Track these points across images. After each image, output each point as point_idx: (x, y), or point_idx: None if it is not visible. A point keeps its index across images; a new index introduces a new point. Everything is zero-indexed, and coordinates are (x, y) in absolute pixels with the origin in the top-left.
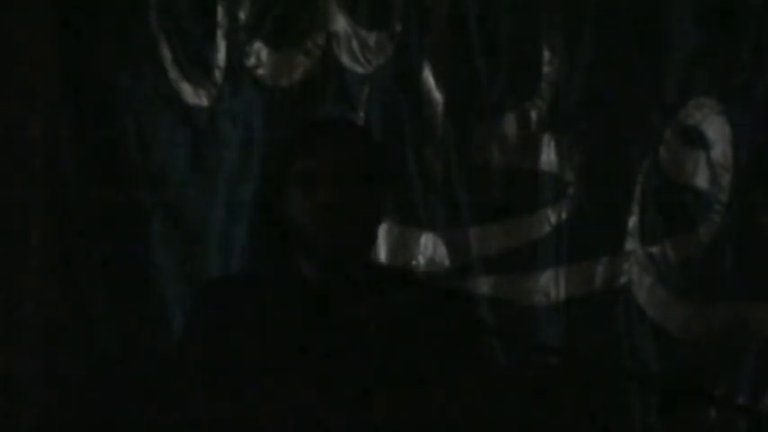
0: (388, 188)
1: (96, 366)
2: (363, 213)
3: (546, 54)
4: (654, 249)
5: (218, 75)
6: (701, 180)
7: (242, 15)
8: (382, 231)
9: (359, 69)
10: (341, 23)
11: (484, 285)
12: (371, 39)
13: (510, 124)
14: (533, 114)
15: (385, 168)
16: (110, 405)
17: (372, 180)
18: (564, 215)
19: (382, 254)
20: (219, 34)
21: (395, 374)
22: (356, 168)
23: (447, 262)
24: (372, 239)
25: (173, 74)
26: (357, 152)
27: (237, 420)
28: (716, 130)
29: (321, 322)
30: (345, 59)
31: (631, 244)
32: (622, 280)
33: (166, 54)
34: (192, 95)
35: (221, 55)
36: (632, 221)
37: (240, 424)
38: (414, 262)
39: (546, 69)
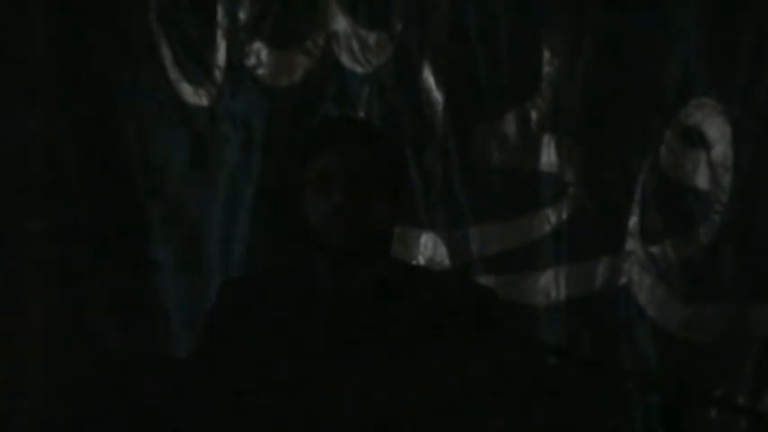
0: (403, 189)
1: (97, 367)
2: (378, 215)
3: (546, 54)
4: (654, 249)
5: (218, 75)
6: (701, 180)
7: (242, 15)
8: None
9: (359, 69)
10: (341, 23)
11: None
12: (371, 39)
13: (510, 124)
14: (533, 114)
15: (400, 170)
16: (110, 406)
17: (388, 182)
18: (564, 215)
19: None
20: (219, 34)
21: (414, 372)
22: (372, 170)
23: (447, 262)
24: (388, 240)
25: (173, 74)
26: (373, 154)
27: (258, 420)
28: (716, 130)
29: (337, 322)
30: (345, 59)
31: (631, 244)
32: (622, 280)
33: (166, 54)
34: (192, 95)
35: (221, 55)
36: (632, 221)
37: (260, 424)
38: (414, 262)
39: (546, 69)
